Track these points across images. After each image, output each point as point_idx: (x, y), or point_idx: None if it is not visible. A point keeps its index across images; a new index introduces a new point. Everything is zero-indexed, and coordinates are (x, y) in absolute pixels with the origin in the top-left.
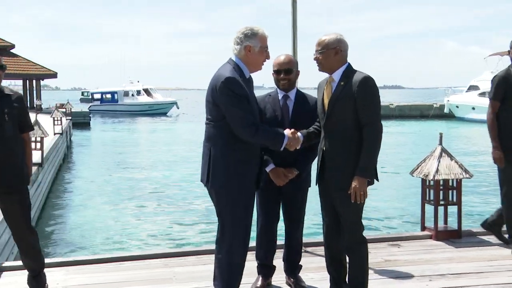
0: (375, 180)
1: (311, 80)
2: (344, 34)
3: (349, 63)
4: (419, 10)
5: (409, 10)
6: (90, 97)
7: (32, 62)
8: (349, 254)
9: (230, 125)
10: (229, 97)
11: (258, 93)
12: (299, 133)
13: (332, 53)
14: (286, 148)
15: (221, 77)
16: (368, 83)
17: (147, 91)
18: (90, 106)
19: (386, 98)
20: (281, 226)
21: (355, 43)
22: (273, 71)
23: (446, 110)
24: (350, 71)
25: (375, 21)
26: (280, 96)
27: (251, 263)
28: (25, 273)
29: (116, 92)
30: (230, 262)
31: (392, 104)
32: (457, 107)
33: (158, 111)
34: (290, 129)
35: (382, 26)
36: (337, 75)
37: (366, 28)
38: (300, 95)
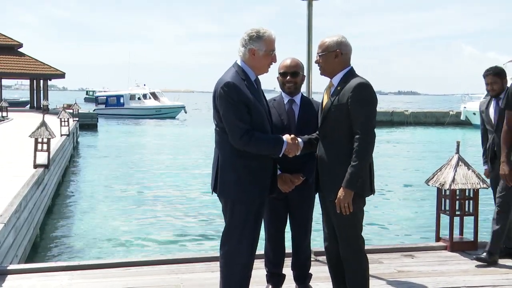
0: (370, 192)
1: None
2: (363, 37)
3: (351, 67)
4: (438, 14)
5: (428, 14)
6: (94, 97)
7: (40, 62)
8: (345, 264)
9: None
10: (226, 103)
11: (269, 97)
12: (299, 139)
13: (332, 56)
14: (285, 155)
15: (221, 82)
16: (361, 89)
17: (153, 95)
18: (95, 109)
19: (401, 105)
20: (289, 234)
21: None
22: (279, 73)
23: (462, 117)
24: (349, 76)
25: (394, 24)
26: (285, 100)
27: (260, 271)
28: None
29: (122, 96)
30: (233, 266)
31: (407, 111)
32: (474, 114)
33: (166, 115)
34: (291, 135)
35: (401, 30)
36: (336, 79)
37: (386, 32)
38: (306, 100)
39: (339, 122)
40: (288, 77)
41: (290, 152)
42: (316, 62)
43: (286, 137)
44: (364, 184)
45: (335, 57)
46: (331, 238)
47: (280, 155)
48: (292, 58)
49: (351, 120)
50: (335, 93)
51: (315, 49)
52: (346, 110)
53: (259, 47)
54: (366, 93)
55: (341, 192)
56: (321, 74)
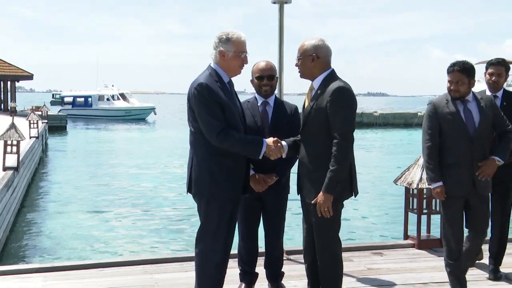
0: (352, 193)
1: (297, 86)
2: (332, 39)
3: (331, 70)
4: (406, 17)
5: (396, 17)
6: (60, 98)
7: (7, 63)
8: (320, 267)
9: None
10: (200, 103)
11: (240, 98)
12: (283, 142)
13: (308, 60)
14: (266, 157)
15: (194, 83)
16: (340, 93)
17: (122, 96)
18: (60, 110)
19: (371, 106)
20: (262, 233)
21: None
22: (255, 77)
23: None
24: (330, 79)
25: (363, 26)
26: (259, 102)
27: (234, 270)
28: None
29: (90, 96)
30: (207, 265)
31: (376, 112)
32: None
33: (135, 117)
34: (274, 137)
35: (370, 32)
36: (316, 82)
37: (355, 34)
38: (279, 102)
39: (318, 126)
40: (265, 81)
41: (272, 154)
42: (295, 65)
43: (269, 140)
44: (343, 189)
45: (312, 61)
46: (309, 239)
47: (261, 157)
48: (266, 61)
49: (330, 124)
50: (315, 97)
51: (286, 51)
52: (325, 114)
53: (228, 49)
54: (344, 97)
55: (320, 197)
56: (301, 77)
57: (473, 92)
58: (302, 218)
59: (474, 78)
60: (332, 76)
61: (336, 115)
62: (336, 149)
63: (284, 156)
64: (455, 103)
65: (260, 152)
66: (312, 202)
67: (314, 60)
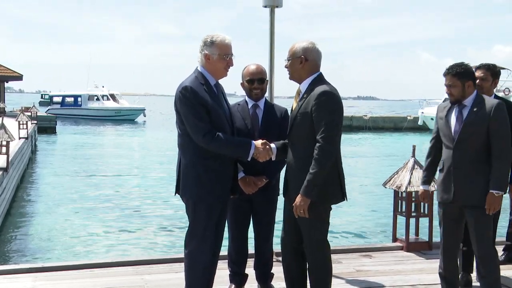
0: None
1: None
2: (321, 42)
3: (319, 73)
4: (395, 21)
5: (385, 21)
6: (49, 98)
7: None
8: (310, 266)
9: None
10: (186, 106)
11: (230, 101)
12: (272, 145)
13: (297, 62)
14: (254, 159)
15: (180, 86)
16: (324, 97)
17: (112, 97)
18: (48, 109)
19: (360, 109)
20: (252, 235)
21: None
22: (245, 80)
23: (420, 123)
24: (316, 83)
25: (352, 30)
26: (249, 105)
27: (223, 272)
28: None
29: (80, 96)
30: (196, 267)
31: (366, 116)
32: (432, 119)
33: (125, 117)
34: (262, 139)
35: (359, 36)
36: (304, 85)
37: (344, 38)
38: (269, 105)
39: (304, 129)
40: (255, 84)
41: (260, 156)
42: (285, 66)
43: (256, 142)
44: (325, 193)
45: (300, 63)
46: (287, 241)
47: (249, 159)
48: (256, 64)
49: (315, 128)
50: (301, 100)
51: (277, 54)
52: (310, 118)
53: (213, 52)
54: (329, 102)
55: (298, 198)
56: (290, 79)
57: (479, 96)
58: (283, 219)
59: (470, 81)
60: (319, 80)
61: (320, 119)
62: (317, 153)
63: (273, 158)
64: (451, 108)
65: (249, 153)
66: (293, 204)
67: (303, 62)
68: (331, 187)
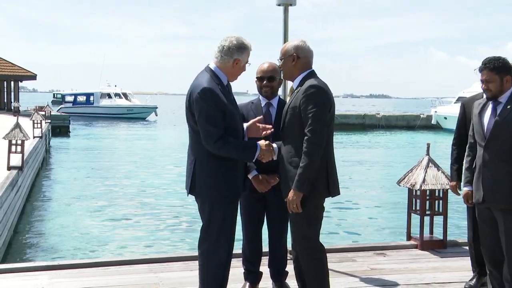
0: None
1: None
2: (333, 41)
3: (311, 70)
4: (407, 20)
5: (397, 20)
6: (61, 96)
7: (11, 63)
8: (303, 265)
9: None
10: (202, 109)
11: (242, 99)
12: (274, 145)
13: (289, 60)
14: (259, 160)
15: (197, 87)
16: (311, 91)
17: (125, 95)
18: (60, 108)
19: (373, 108)
20: (266, 233)
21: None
22: (257, 78)
23: (433, 121)
24: (306, 78)
25: (366, 29)
26: (263, 103)
27: (238, 270)
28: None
29: (92, 94)
30: (211, 265)
31: (379, 114)
32: (445, 118)
33: (137, 115)
34: (266, 141)
35: (372, 35)
36: (295, 82)
37: (356, 37)
38: (283, 103)
39: (295, 124)
40: (265, 82)
41: (264, 157)
42: (279, 67)
43: (261, 143)
44: (315, 188)
45: (292, 60)
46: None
47: (254, 160)
48: (269, 62)
49: (303, 121)
50: (292, 96)
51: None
52: (299, 113)
53: (244, 58)
54: (316, 94)
55: (290, 193)
56: (283, 78)
57: None
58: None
59: (509, 75)
60: (310, 75)
61: (307, 112)
62: (305, 146)
63: (275, 158)
64: (486, 104)
65: (254, 156)
66: (285, 199)
67: (295, 60)
68: (318, 183)
